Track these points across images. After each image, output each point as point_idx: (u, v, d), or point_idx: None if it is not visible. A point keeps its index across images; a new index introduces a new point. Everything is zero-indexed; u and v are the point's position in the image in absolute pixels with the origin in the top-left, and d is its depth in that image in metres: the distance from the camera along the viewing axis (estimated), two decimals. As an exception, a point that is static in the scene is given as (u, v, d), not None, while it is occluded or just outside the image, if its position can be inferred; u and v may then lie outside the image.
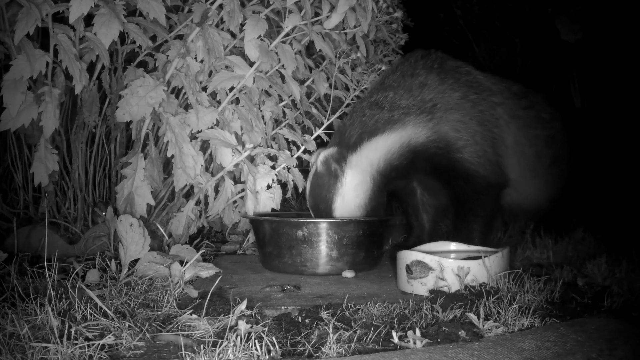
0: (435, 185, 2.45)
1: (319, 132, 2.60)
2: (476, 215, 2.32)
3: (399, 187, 2.52)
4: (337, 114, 2.62)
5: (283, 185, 2.53)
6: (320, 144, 2.65)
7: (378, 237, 2.20)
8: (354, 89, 2.59)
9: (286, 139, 2.66)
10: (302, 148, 2.56)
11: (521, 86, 2.62)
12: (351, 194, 2.21)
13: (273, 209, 2.44)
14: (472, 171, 2.25)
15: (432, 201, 2.59)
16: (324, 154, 2.22)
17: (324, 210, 2.23)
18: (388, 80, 2.37)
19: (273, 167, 2.48)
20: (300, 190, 2.62)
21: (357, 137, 2.22)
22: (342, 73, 2.60)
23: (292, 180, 2.55)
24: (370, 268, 2.18)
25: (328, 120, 2.61)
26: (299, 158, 2.60)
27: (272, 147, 2.54)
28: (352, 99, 2.60)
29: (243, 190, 2.42)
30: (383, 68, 2.64)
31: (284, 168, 2.51)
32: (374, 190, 2.23)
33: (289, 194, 2.58)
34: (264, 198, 2.41)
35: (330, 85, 2.53)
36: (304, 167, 2.75)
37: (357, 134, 2.23)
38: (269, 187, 2.44)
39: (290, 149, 2.64)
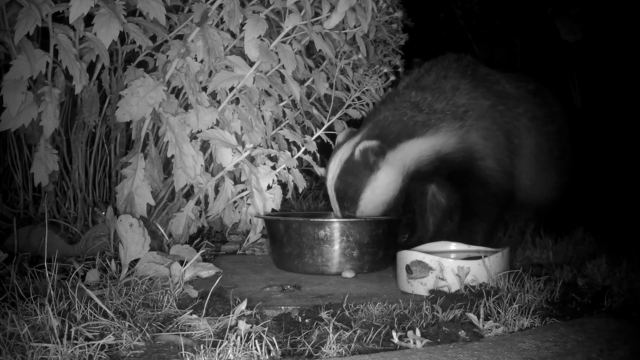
0: (447, 187, 2.50)
1: (320, 132, 2.59)
2: (482, 219, 2.37)
3: (412, 187, 2.54)
4: (337, 115, 2.62)
5: (283, 186, 2.53)
6: (321, 144, 2.65)
7: (394, 236, 2.23)
8: (355, 90, 2.59)
9: (286, 140, 2.65)
10: (303, 149, 2.56)
11: (535, 83, 2.66)
12: (381, 189, 2.22)
13: (273, 209, 2.44)
14: (490, 178, 2.31)
15: (441, 204, 2.62)
16: (365, 145, 2.20)
17: (351, 197, 2.22)
18: (424, 81, 2.40)
19: (273, 168, 2.48)
20: (300, 190, 2.62)
21: (395, 135, 2.24)
22: (343, 74, 2.60)
23: (293, 181, 2.55)
24: (387, 266, 2.19)
25: (329, 121, 2.61)
26: (299, 158, 2.60)
27: (272, 148, 2.54)
28: (352, 100, 2.60)
29: (243, 190, 2.42)
30: (385, 70, 2.64)
31: (284, 169, 2.50)
32: (400, 190, 2.26)
33: (289, 195, 2.58)
34: (263, 193, 2.41)
35: (330, 86, 2.53)
36: (304, 167, 2.75)
37: (396, 132, 2.25)
38: (269, 187, 2.43)
39: (290, 150, 2.63)
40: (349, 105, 2.62)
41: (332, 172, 2.26)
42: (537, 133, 2.47)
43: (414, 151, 2.24)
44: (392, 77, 2.66)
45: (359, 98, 2.61)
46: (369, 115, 2.48)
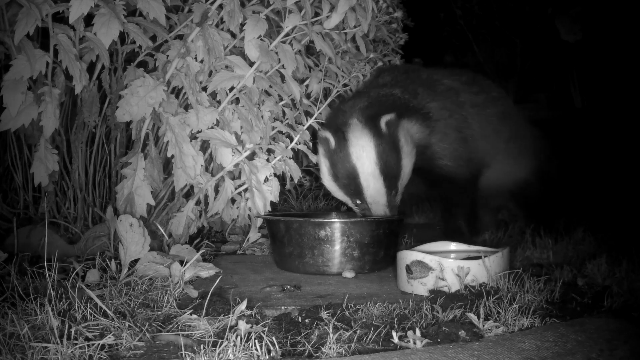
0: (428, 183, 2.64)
1: (311, 121, 2.57)
2: (457, 205, 2.57)
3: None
4: (327, 102, 2.62)
5: (279, 179, 2.53)
6: (313, 133, 2.64)
7: (395, 236, 2.23)
8: (343, 77, 2.60)
9: (280, 131, 2.64)
10: (296, 138, 2.54)
11: (467, 74, 2.82)
12: (409, 158, 2.30)
13: (272, 202, 2.44)
14: (452, 174, 2.49)
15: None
16: (387, 118, 2.24)
17: (393, 174, 2.22)
18: (382, 80, 2.56)
19: (268, 160, 2.46)
20: (295, 180, 2.61)
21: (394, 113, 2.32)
22: (331, 63, 2.60)
23: (289, 172, 2.54)
24: (387, 266, 2.18)
25: (318, 109, 2.60)
26: (294, 150, 2.59)
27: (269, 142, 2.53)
28: (343, 85, 2.62)
29: (240, 185, 2.41)
30: (379, 64, 2.67)
31: (279, 160, 2.50)
32: (413, 163, 2.34)
33: (288, 186, 2.57)
34: (263, 192, 2.41)
35: (320, 71, 2.54)
36: (303, 167, 2.74)
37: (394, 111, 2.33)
38: (266, 179, 2.43)
39: (283, 141, 2.63)
40: (338, 92, 2.63)
41: (369, 158, 2.22)
42: (479, 117, 2.61)
43: (409, 128, 2.35)
44: (380, 63, 2.68)
45: (345, 85, 2.63)
46: (338, 105, 2.57)
